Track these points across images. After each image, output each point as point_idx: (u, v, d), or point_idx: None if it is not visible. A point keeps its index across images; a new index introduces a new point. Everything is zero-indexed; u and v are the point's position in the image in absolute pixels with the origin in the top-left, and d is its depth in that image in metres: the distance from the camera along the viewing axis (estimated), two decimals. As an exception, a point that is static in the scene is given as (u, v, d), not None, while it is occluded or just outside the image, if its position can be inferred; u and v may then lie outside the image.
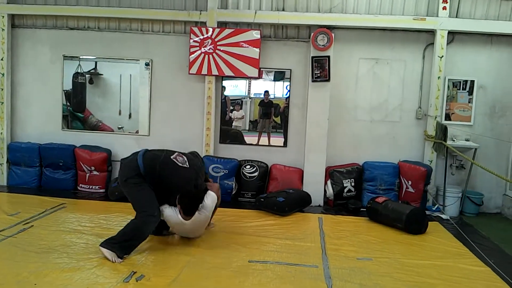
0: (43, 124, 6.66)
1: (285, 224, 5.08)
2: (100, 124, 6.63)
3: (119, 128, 6.59)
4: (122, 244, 3.81)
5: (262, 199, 5.62)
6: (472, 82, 6.20)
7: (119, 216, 5.10)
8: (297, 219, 5.38)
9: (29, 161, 6.40)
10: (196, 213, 4.08)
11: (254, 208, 5.65)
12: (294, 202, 5.58)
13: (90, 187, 6.29)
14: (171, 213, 4.07)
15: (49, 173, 6.38)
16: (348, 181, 6.07)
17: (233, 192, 6.05)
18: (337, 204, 6.02)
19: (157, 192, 4.02)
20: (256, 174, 6.14)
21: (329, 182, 6.10)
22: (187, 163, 4.18)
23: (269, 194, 5.82)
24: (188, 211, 4.06)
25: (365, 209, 5.62)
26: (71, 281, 3.34)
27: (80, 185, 6.34)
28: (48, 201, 5.62)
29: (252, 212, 5.51)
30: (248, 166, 6.18)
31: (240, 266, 3.81)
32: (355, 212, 5.79)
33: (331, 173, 6.11)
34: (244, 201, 6.06)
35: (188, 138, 6.42)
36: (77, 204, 5.61)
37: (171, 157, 4.15)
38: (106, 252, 3.76)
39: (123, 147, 6.49)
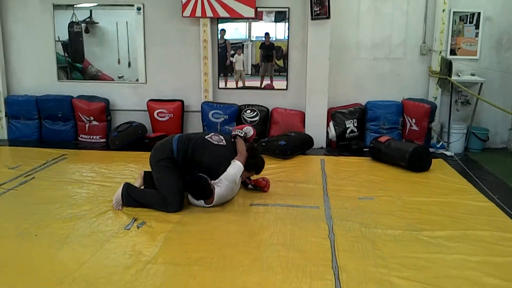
0: (38, 76, 6.51)
1: (287, 167, 5.05)
2: (100, 74, 6.48)
3: (119, 78, 6.43)
4: (133, 201, 3.76)
5: (264, 143, 5.56)
6: (479, 14, 5.93)
7: (120, 165, 5.09)
8: (299, 161, 5.34)
9: (28, 114, 6.33)
10: (216, 188, 3.76)
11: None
12: (296, 145, 5.52)
13: (91, 137, 6.26)
14: (192, 200, 3.86)
15: (48, 125, 6.33)
16: (351, 121, 5.98)
17: (234, 137, 5.98)
18: (340, 146, 5.96)
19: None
20: (257, 118, 6.05)
21: (331, 123, 6.00)
22: (223, 141, 3.99)
23: (271, 138, 5.76)
24: (203, 197, 3.81)
25: (367, 149, 5.56)
26: (73, 230, 3.35)
27: (81, 135, 6.30)
28: (49, 152, 5.61)
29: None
30: (248, 111, 6.08)
31: (242, 210, 3.81)
32: (358, 152, 5.73)
33: (333, 114, 6.01)
34: (246, 146, 6.00)
35: (186, 85, 6.28)
36: (78, 155, 5.60)
37: (206, 137, 3.98)
38: (119, 194, 3.76)
39: (120, 96, 6.41)
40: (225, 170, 3.79)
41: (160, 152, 3.89)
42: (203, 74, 6.10)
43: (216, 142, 3.95)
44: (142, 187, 4.01)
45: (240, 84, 6.28)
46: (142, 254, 2.98)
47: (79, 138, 6.31)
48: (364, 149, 5.76)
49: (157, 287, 2.59)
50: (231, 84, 6.29)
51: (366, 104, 6.11)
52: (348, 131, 5.96)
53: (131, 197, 3.77)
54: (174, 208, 3.70)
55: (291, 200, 4.03)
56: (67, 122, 6.30)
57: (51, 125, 6.33)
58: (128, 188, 3.80)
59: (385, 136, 5.47)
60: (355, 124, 5.98)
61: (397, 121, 6.01)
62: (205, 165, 3.82)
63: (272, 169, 4.90)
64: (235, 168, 3.83)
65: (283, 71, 6.22)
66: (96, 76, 6.48)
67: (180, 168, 3.84)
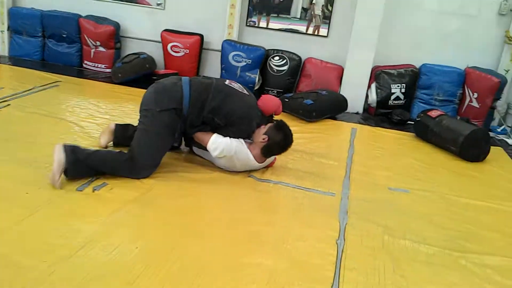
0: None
1: (308, 133, 4.14)
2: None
3: (158, 4, 5.47)
4: (86, 168, 2.70)
5: (287, 99, 4.63)
6: None
7: (114, 102, 4.34)
8: (325, 127, 4.40)
9: (31, 30, 5.59)
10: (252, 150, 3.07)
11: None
12: (325, 107, 4.57)
13: (96, 65, 5.49)
14: (243, 152, 2.98)
15: (52, 45, 5.59)
16: (398, 86, 4.93)
17: (256, 88, 5.05)
18: (380, 114, 4.96)
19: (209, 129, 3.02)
20: (285, 68, 5.08)
21: (373, 85, 4.97)
22: (245, 90, 3.11)
23: (297, 94, 4.81)
24: (270, 153, 3.08)
25: (413, 123, 4.54)
26: (15, 183, 2.61)
27: (85, 62, 5.55)
28: (42, 77, 4.91)
29: (272, 114, 4.55)
30: (276, 58, 5.11)
31: (234, 182, 2.97)
32: (400, 125, 4.73)
33: (378, 75, 4.96)
34: (268, 99, 5.08)
35: (209, 17, 5.33)
36: (73, 84, 4.85)
37: (225, 83, 3.06)
38: (61, 158, 2.59)
39: (134, 21, 5.57)
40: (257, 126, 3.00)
41: (165, 99, 2.88)
42: (229, 6, 5.10)
43: (240, 90, 3.07)
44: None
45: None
46: (80, 232, 2.22)
47: (84, 65, 5.57)
48: (409, 122, 4.74)
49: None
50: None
51: (421, 67, 5.00)
52: (393, 97, 4.93)
53: (83, 163, 2.67)
54: (147, 174, 2.85)
55: (301, 179, 3.14)
56: (72, 44, 5.54)
57: (54, 46, 5.59)
58: (74, 150, 2.68)
59: (436, 110, 4.41)
60: (403, 90, 4.93)
61: (455, 93, 4.92)
62: (236, 116, 2.96)
63: (289, 132, 4.00)
64: None
65: (327, 18, 5.13)
66: (134, 0, 5.52)
67: (186, 123, 2.95)
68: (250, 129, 3.04)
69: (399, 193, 3.12)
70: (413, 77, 4.95)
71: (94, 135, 3.47)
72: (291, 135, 3.07)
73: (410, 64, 5.03)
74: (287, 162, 3.39)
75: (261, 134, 2.99)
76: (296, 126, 4.20)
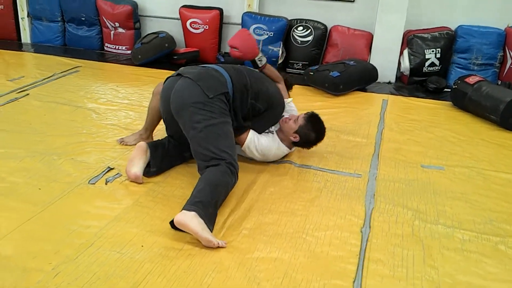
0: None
1: (335, 108, 3.90)
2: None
3: None
4: (213, 213, 2.20)
5: (312, 73, 4.39)
6: None
7: (133, 86, 4.23)
8: (353, 100, 4.14)
9: (51, 14, 5.53)
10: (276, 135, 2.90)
11: (301, 83, 4.46)
12: (353, 79, 4.28)
13: (117, 48, 5.39)
14: (280, 150, 2.83)
15: (72, 29, 5.52)
16: (433, 51, 4.57)
17: (280, 61, 4.82)
18: (413, 82, 4.63)
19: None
20: (310, 38, 4.80)
21: (406, 51, 4.63)
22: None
23: (323, 66, 4.54)
24: (300, 147, 2.91)
25: (449, 91, 4.21)
26: (28, 177, 2.56)
27: (106, 44, 5.46)
28: (64, 63, 4.86)
29: (297, 89, 4.29)
30: (300, 28, 4.83)
31: (254, 169, 2.79)
32: (436, 94, 4.39)
33: (410, 40, 4.61)
34: (293, 73, 4.83)
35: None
36: (93, 68, 4.76)
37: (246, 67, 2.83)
38: (196, 228, 2.01)
39: (151, -1, 5.39)
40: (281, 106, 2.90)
41: (213, 84, 2.49)
42: (249, -24, 4.85)
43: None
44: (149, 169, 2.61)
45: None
46: (89, 228, 2.14)
47: (105, 48, 5.49)
48: (445, 90, 4.41)
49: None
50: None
51: (457, 29, 4.61)
52: (428, 63, 4.58)
53: (214, 207, 2.20)
54: (237, 169, 2.43)
55: (325, 160, 2.95)
56: (91, 27, 5.45)
57: (75, 30, 5.52)
58: (205, 208, 2.11)
59: (475, 75, 4.05)
60: (438, 55, 4.57)
61: (495, 56, 4.51)
62: (274, 99, 2.78)
63: (314, 108, 3.73)
64: None
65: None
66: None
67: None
68: (281, 114, 2.88)
69: (432, 171, 2.87)
70: (448, 41, 4.57)
71: (111, 122, 3.39)
72: (324, 129, 2.83)
73: (445, 27, 4.63)
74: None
75: (291, 130, 2.75)
76: (321, 101, 4.06)
